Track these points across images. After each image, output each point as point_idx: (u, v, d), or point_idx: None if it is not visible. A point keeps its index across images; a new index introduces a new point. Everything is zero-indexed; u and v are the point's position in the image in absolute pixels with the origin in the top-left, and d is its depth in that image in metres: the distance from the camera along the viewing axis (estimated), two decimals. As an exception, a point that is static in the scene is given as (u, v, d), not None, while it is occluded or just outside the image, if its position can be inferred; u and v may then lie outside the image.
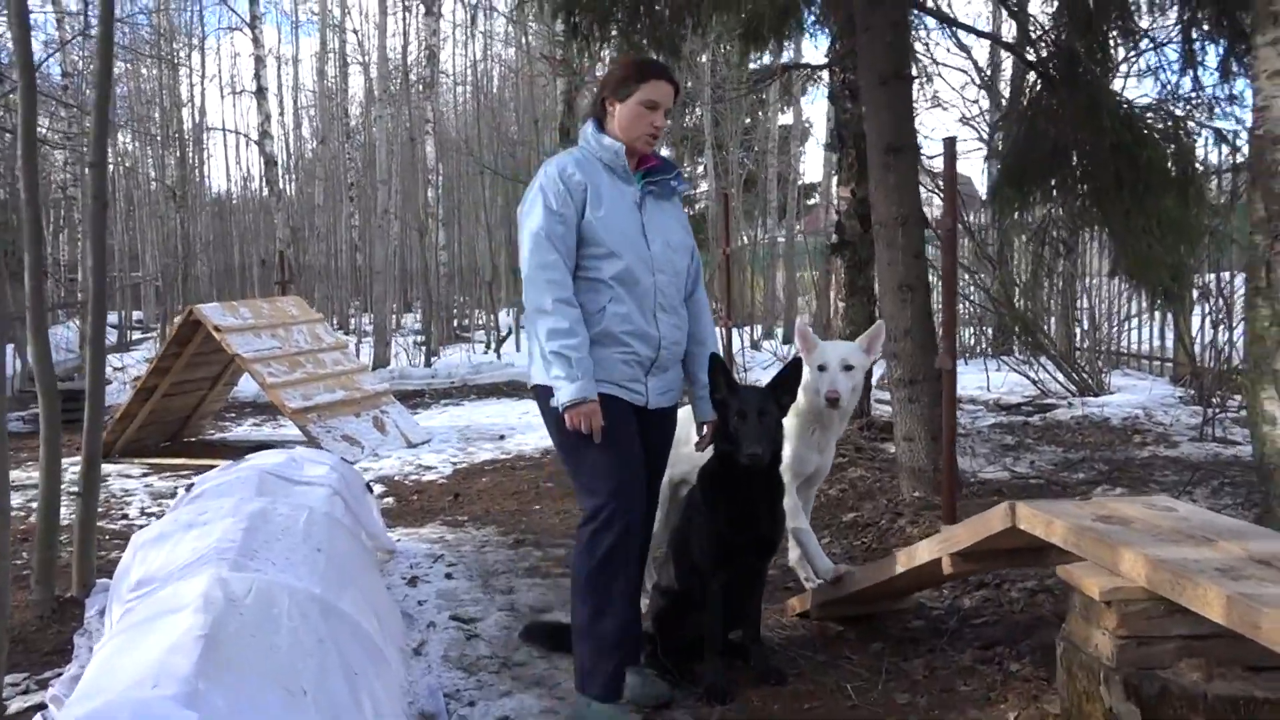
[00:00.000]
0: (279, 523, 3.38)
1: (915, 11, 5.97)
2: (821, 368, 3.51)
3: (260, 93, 17.20)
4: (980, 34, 8.74)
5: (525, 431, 8.05)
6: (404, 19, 20.79)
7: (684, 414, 3.23)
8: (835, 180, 7.98)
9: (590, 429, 2.75)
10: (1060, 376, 8.39)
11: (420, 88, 18.14)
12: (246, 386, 9.89)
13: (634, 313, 2.86)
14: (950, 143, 4.24)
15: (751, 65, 17.45)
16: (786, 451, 3.26)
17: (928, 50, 9.03)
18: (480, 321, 20.91)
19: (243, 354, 7.21)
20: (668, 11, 6.50)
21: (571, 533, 5.13)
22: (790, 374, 3.11)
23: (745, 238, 18.81)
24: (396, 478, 6.63)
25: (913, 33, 7.04)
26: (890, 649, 3.28)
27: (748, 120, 21.69)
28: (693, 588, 3.18)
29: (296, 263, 18.81)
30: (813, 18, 7.20)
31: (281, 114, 26.76)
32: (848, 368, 3.51)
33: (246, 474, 4.15)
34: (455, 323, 20.39)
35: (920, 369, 4.91)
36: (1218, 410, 6.54)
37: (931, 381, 4.87)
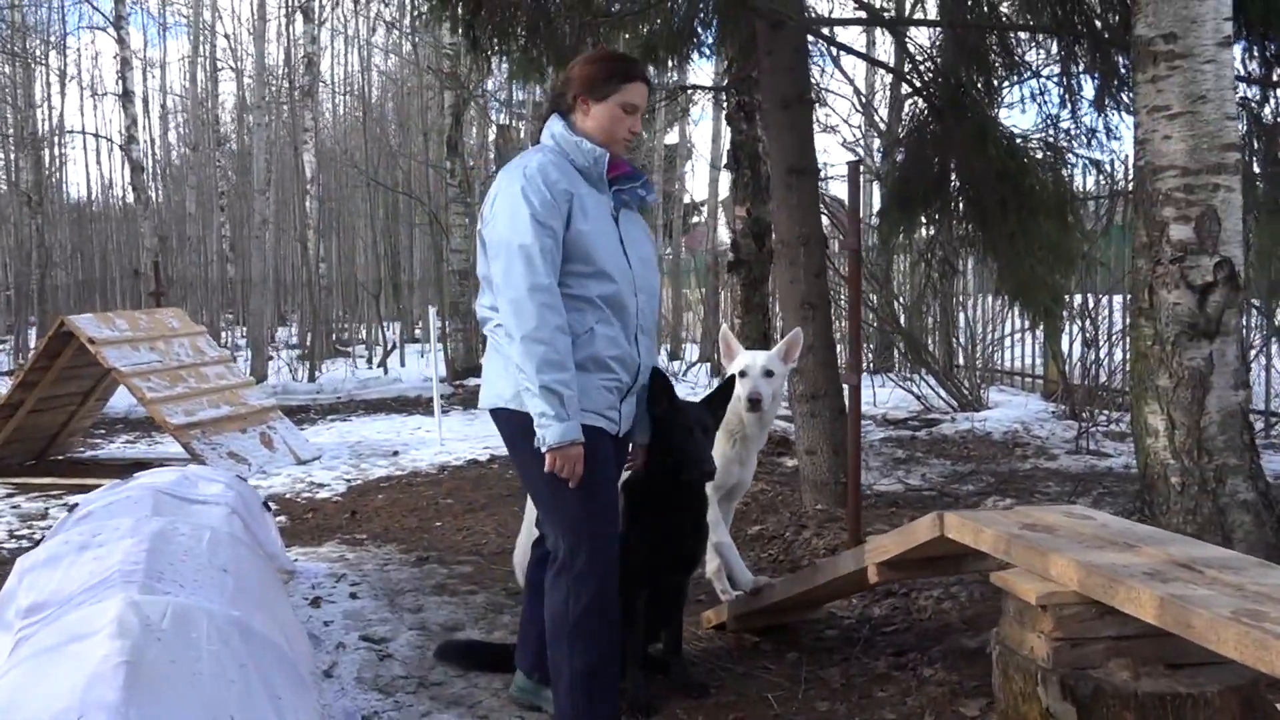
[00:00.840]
0: (181, 543, 3.22)
1: (812, 39, 6.14)
2: (743, 374, 3.56)
3: (126, 96, 16.44)
4: (871, 60, 9.04)
5: (419, 447, 7.90)
6: (283, 26, 20.25)
7: None
8: (731, 199, 8.11)
9: (570, 474, 2.54)
10: (942, 392, 8.74)
11: (299, 96, 17.65)
12: (118, 402, 9.42)
13: (620, 335, 2.65)
14: (854, 166, 4.39)
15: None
16: None
17: (822, 75, 9.31)
18: (361, 336, 20.43)
19: (120, 368, 6.86)
20: (568, 30, 6.53)
21: (477, 548, 5.11)
22: (724, 390, 3.15)
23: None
24: (288, 496, 6.41)
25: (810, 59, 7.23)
26: (807, 658, 3.35)
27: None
28: (612, 603, 3.18)
29: (166, 274, 18.02)
30: (710, 40, 7.34)
31: (148, 118, 25.69)
32: (768, 374, 3.59)
33: (138, 493, 3.95)
34: (334, 337, 19.86)
35: (822, 384, 5.04)
36: (1090, 425, 6.93)
37: (833, 396, 5.01)
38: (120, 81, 16.46)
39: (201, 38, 24.25)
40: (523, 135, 17.14)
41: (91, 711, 1.73)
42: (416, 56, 14.36)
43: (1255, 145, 5.03)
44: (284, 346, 18.29)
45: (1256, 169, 5.03)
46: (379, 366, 15.41)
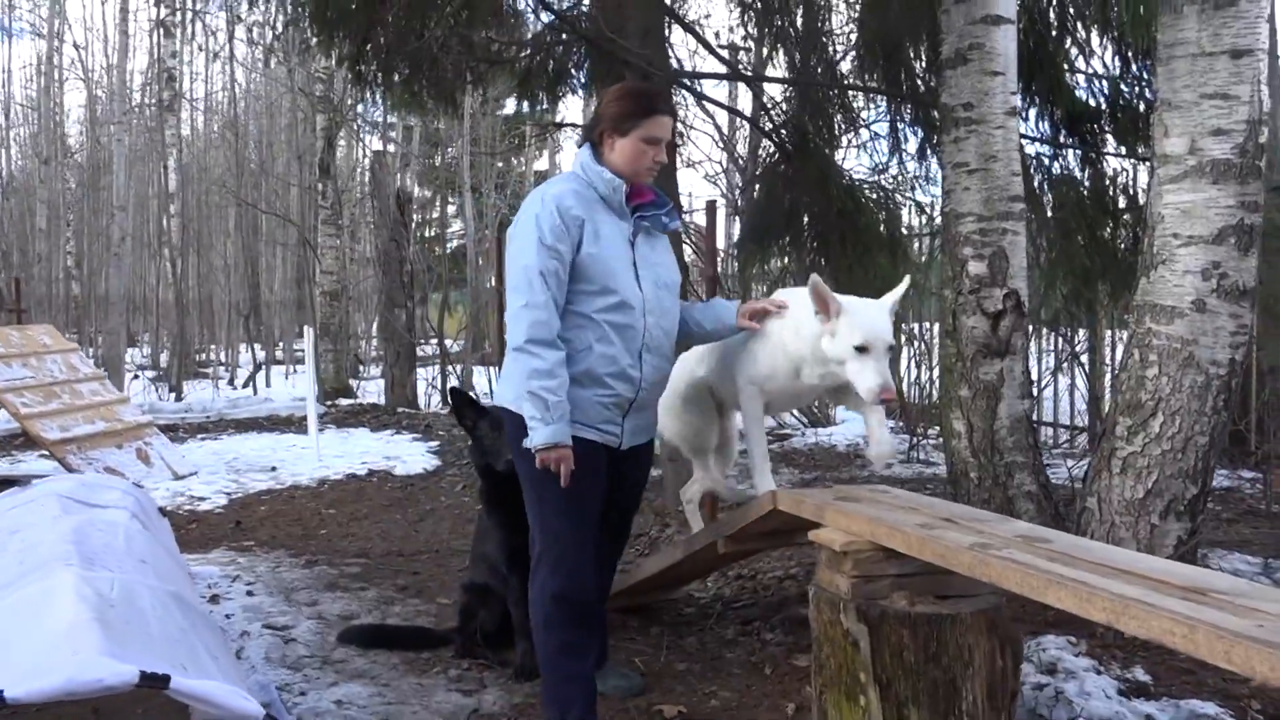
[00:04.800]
0: (99, 538, 3.50)
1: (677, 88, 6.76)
2: (862, 349, 2.76)
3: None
4: (730, 110, 9.79)
5: (296, 463, 8.09)
6: (140, 39, 19.85)
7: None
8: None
9: (559, 472, 2.72)
10: (795, 410, 9.48)
11: (159, 111, 17.39)
12: (-25, 420, 9.23)
13: (621, 354, 2.79)
14: (711, 205, 5.00)
15: (508, 111, 18.05)
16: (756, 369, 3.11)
17: (686, 113, 10.00)
18: (219, 357, 20.09)
19: (-8, 383, 6.88)
20: (449, 67, 6.96)
21: (364, 551, 5.45)
22: None
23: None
24: (169, 508, 6.54)
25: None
26: (668, 630, 3.87)
27: (500, 165, 22.29)
28: (492, 584, 3.63)
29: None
30: (583, 80, 7.89)
31: (-10, 128, 24.55)
32: (890, 348, 2.83)
33: (41, 497, 4.15)
34: (194, 357, 19.48)
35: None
36: (921, 438, 7.74)
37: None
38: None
39: (49, 45, 23.42)
40: (397, 161, 17.36)
41: (84, 650, 2.08)
42: (292, 81, 14.40)
43: (1047, 193, 5.89)
44: (137, 367, 17.84)
45: (1050, 214, 5.89)
46: (244, 386, 15.31)
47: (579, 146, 2.97)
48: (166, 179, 17.21)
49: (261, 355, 17.00)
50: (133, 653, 2.24)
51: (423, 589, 4.68)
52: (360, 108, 15.38)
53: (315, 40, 6.64)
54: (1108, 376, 7.18)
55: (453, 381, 12.12)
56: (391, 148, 18.08)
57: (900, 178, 6.52)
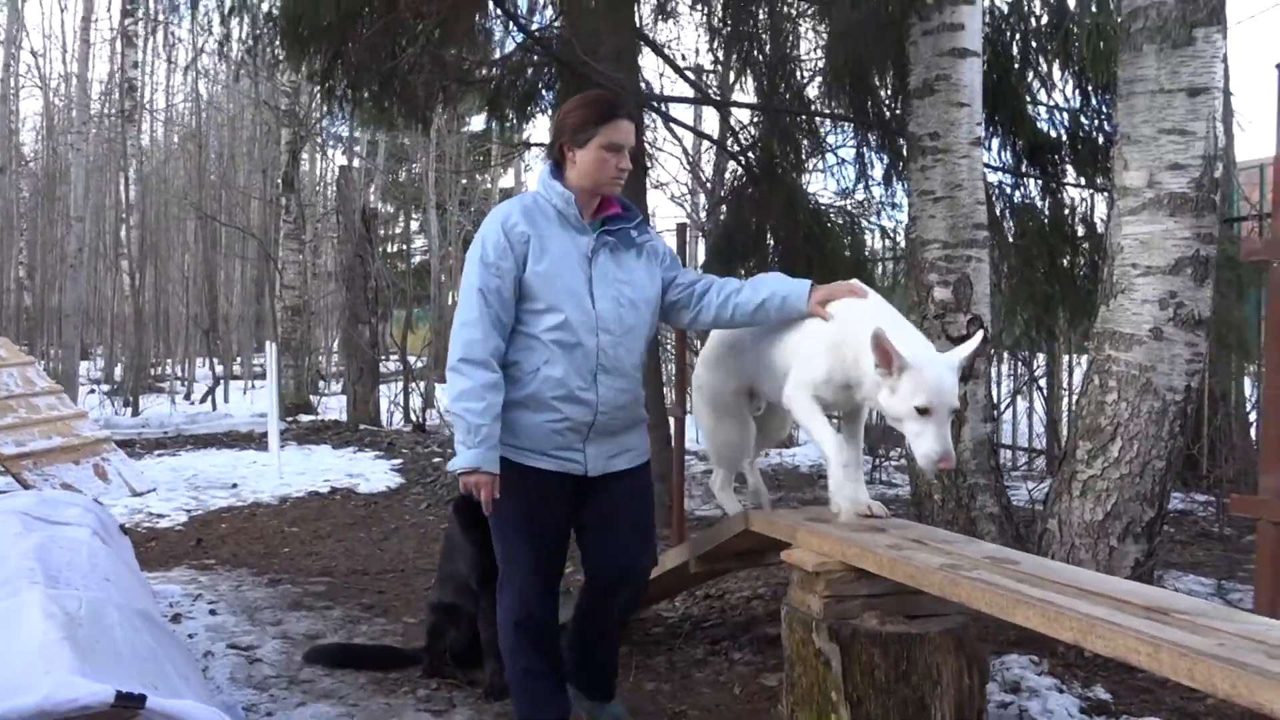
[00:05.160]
0: (62, 555, 3.45)
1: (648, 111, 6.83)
2: (924, 410, 2.52)
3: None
4: (698, 133, 9.90)
5: (258, 480, 8.01)
6: (101, 47, 19.64)
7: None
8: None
9: (483, 500, 2.66)
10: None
11: (119, 121, 17.17)
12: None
13: (569, 376, 2.66)
14: (682, 227, 5.06)
15: (474, 128, 18.04)
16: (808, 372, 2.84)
17: (654, 136, 10.09)
18: (175, 372, 19.80)
19: (-55, 396, 6.75)
20: (421, 86, 6.97)
21: (328, 570, 5.42)
22: None
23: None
24: (128, 526, 6.43)
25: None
26: (636, 650, 3.88)
27: (464, 182, 22.30)
28: (461, 603, 3.63)
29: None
30: (554, 101, 7.94)
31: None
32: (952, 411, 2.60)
33: (2, 514, 4.09)
34: (150, 371, 19.18)
35: (651, 418, 5.64)
36: (883, 459, 7.84)
37: (661, 429, 5.62)
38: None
39: (9, 52, 23.07)
40: (363, 176, 17.29)
41: (56, 670, 2.06)
42: (257, 94, 14.32)
43: (1009, 221, 6.02)
44: (91, 381, 17.53)
45: (1011, 242, 6.02)
46: (202, 402, 15.11)
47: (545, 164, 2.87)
48: (126, 190, 17.00)
49: (220, 370, 16.79)
50: (104, 672, 2.22)
51: (389, 608, 4.65)
52: (325, 122, 15.28)
53: (285, 56, 6.61)
54: (1065, 401, 7.33)
55: (415, 398, 12.06)
56: (357, 163, 17.99)
57: (866, 203, 6.63)
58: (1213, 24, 3.51)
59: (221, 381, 15.58)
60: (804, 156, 6.70)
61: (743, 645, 3.78)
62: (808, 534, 2.58)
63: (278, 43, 6.44)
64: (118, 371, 18.29)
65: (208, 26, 6.30)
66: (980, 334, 2.86)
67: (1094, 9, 5.45)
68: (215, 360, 16.99)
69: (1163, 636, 1.72)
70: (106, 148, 18.68)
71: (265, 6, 6.28)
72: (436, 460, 8.79)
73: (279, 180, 14.19)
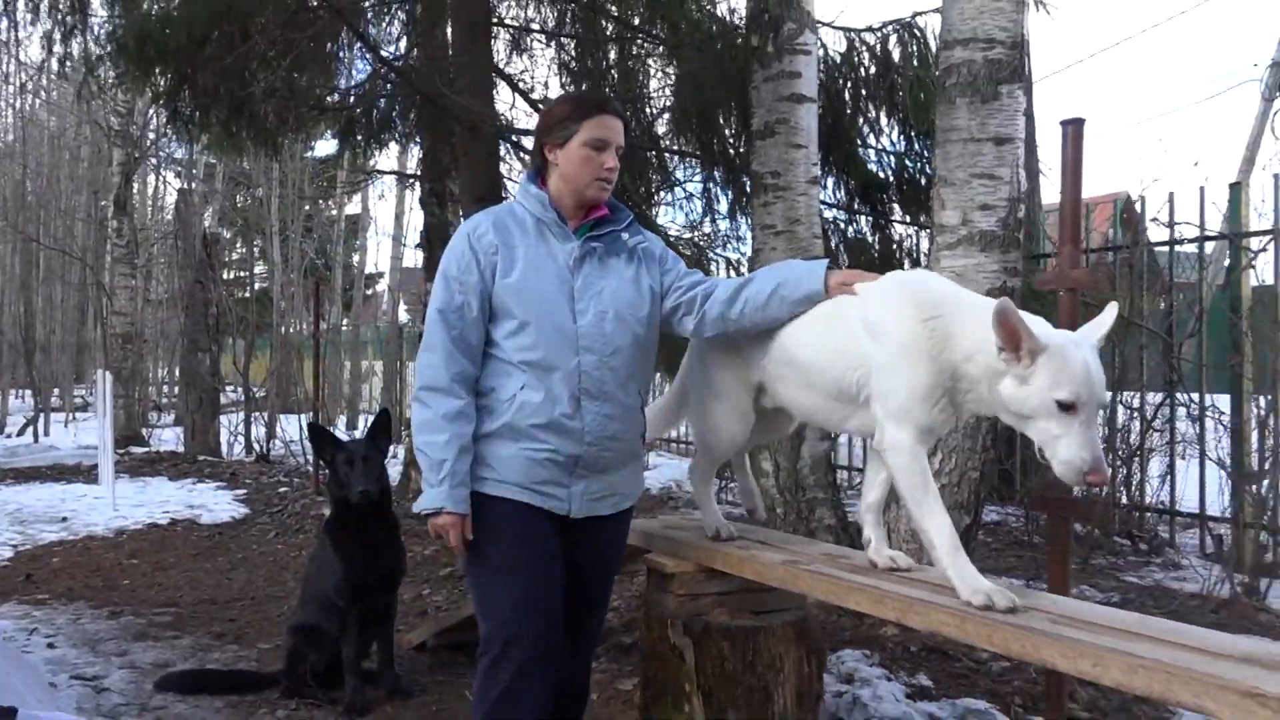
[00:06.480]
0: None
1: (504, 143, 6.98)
2: (1067, 405, 1.95)
3: None
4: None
5: (90, 513, 7.66)
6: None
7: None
8: (424, 277, 8.69)
9: (452, 544, 2.34)
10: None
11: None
12: None
13: (550, 401, 2.33)
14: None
15: (320, 153, 17.73)
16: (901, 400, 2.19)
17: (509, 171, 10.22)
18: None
19: None
20: (272, 112, 6.92)
21: (173, 601, 5.27)
22: (381, 422, 3.67)
23: (308, 324, 18.81)
24: (-54, 562, 6.10)
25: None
26: (497, 664, 3.98)
27: (307, 208, 21.81)
28: (323, 624, 3.66)
29: None
30: (404, 131, 8.00)
31: None
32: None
33: None
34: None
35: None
36: (730, 480, 8.17)
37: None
38: None
39: None
40: (204, 201, 16.69)
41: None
42: (89, 111, 13.69)
43: (843, 255, 6.46)
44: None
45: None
46: (19, 435, 14.21)
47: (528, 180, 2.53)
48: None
49: (38, 401, 15.81)
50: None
51: (241, 635, 4.59)
52: (162, 143, 14.74)
53: (130, 77, 6.45)
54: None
55: (258, 429, 11.72)
56: (197, 185, 17.35)
57: (713, 235, 6.98)
58: (1015, 81, 3.96)
59: (41, 413, 14.69)
60: (654, 190, 6.99)
61: (599, 655, 3.93)
62: (666, 540, 2.78)
63: (122, 63, 6.29)
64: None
65: (47, 45, 6.07)
66: (1114, 308, 2.13)
67: (915, 63, 5.97)
68: (19, 393, 15.97)
69: (968, 611, 2.00)
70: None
71: (109, 26, 6.13)
72: (283, 490, 8.61)
73: (109, 202, 13.57)
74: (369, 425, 3.78)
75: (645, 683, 2.77)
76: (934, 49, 5.42)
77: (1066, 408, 1.92)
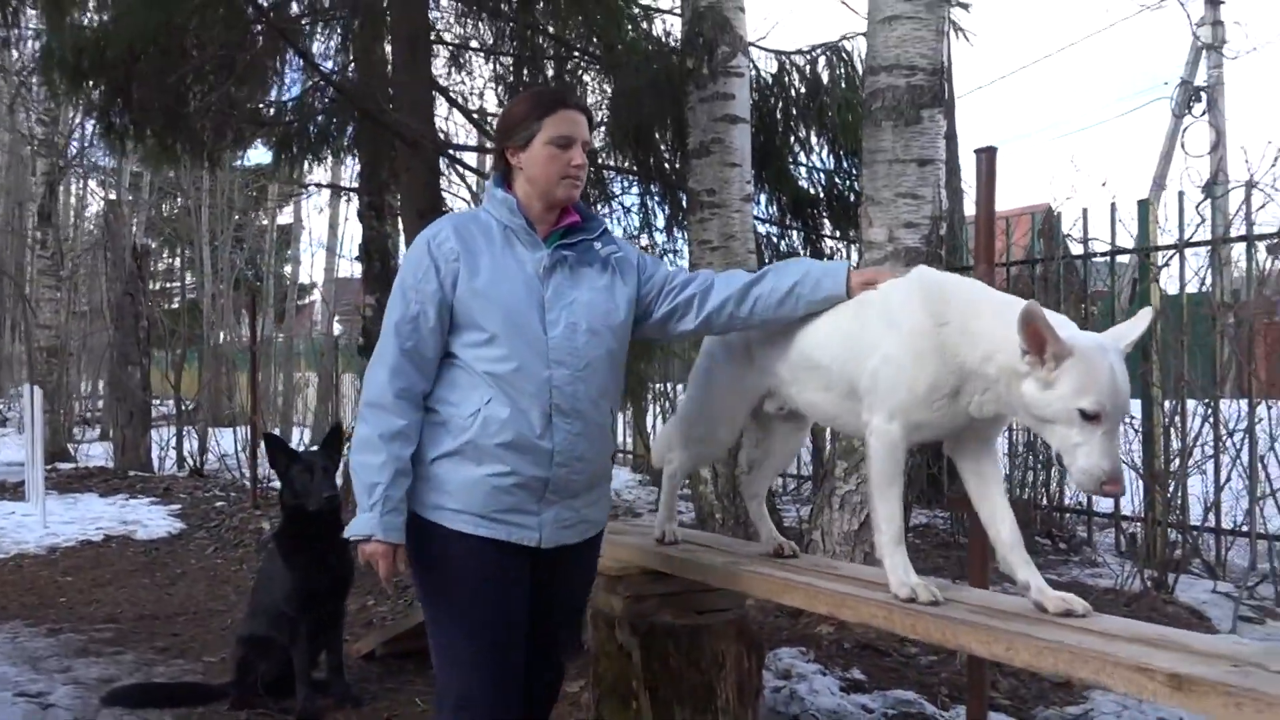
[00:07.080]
0: None
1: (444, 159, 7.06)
2: (1092, 416, 1.89)
3: None
4: (484, 176, 10.18)
5: (19, 531, 7.51)
6: None
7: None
8: (361, 289, 8.71)
9: (381, 574, 2.15)
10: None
11: None
12: None
13: (518, 418, 2.15)
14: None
15: (250, 163, 17.54)
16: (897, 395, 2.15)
17: (449, 185, 10.27)
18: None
19: None
20: (209, 125, 6.92)
21: (113, 617, 5.26)
22: (333, 436, 3.79)
23: (239, 336, 18.54)
24: None
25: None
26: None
27: (237, 218, 21.53)
28: (273, 634, 3.71)
29: None
30: (346, 144, 8.02)
31: None
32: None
33: None
34: None
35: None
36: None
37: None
38: None
39: None
40: (133, 211, 16.38)
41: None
42: (12, 120, 13.38)
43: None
44: None
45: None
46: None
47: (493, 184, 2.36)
48: None
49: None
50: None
51: (185, 649, 4.60)
52: (87, 152, 14.46)
53: (63, 86, 6.40)
54: (829, 431, 8.08)
55: (190, 443, 11.56)
56: (123, 195, 17.03)
57: (650, 250, 7.13)
58: (936, 106, 4.19)
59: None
60: (591, 204, 7.12)
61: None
62: (611, 544, 2.91)
63: (54, 74, 6.25)
64: None
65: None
66: (1148, 313, 2.03)
67: (843, 85, 6.21)
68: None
69: (895, 604, 2.16)
70: None
71: (43, 39, 6.09)
72: (219, 504, 8.54)
73: (34, 213, 13.28)
74: (325, 437, 3.86)
75: (595, 680, 2.89)
76: (861, 72, 5.66)
77: (1090, 417, 1.87)
